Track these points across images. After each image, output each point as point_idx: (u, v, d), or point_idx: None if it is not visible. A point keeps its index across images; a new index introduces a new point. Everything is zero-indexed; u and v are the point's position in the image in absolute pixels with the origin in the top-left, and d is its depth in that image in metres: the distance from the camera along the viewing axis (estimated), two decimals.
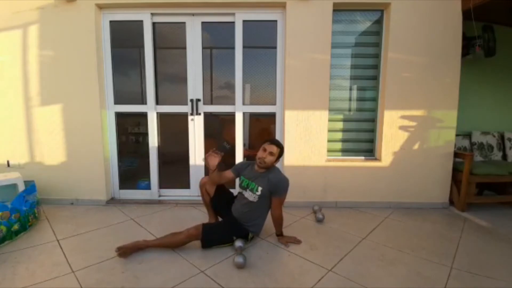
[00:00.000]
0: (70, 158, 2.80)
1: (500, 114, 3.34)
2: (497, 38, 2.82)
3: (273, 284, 1.57)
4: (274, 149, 1.96)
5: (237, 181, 2.39)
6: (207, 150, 2.93)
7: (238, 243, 1.89)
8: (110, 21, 2.80)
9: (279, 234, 2.10)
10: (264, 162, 1.95)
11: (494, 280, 1.62)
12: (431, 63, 2.70)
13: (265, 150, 1.96)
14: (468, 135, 3.20)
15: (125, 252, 1.81)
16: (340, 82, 2.92)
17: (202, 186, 2.21)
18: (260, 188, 1.96)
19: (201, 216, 2.51)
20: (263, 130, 3.06)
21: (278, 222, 2.07)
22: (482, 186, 3.00)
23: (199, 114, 2.88)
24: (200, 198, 2.30)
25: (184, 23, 2.80)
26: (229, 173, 2.13)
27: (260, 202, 1.98)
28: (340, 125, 2.98)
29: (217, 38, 2.95)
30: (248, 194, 2.02)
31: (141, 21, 2.77)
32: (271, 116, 2.91)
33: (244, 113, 2.90)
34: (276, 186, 1.96)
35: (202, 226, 1.92)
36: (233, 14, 2.75)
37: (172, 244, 1.90)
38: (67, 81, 2.71)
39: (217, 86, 3.01)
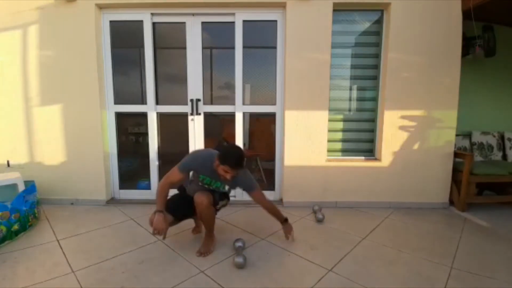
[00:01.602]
0: (70, 158, 2.80)
1: (500, 114, 3.34)
2: (497, 38, 2.82)
3: (273, 284, 1.57)
4: (237, 172, 1.73)
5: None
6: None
7: (238, 243, 1.89)
8: (110, 21, 2.80)
9: (283, 220, 2.02)
10: (227, 180, 1.76)
11: (494, 280, 1.62)
12: (431, 63, 2.70)
13: (227, 172, 1.69)
14: (468, 135, 3.20)
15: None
16: (340, 82, 2.92)
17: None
18: (227, 187, 1.89)
19: None
20: (263, 130, 3.06)
21: (273, 211, 2.01)
22: (482, 186, 3.00)
23: (199, 114, 2.88)
24: None
25: (184, 23, 2.80)
26: (177, 175, 1.81)
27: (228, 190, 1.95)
28: (340, 125, 2.98)
29: (217, 38, 2.95)
30: (213, 189, 1.89)
31: (141, 21, 2.77)
32: (271, 116, 2.91)
33: (244, 113, 2.90)
34: (247, 186, 1.90)
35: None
36: (233, 14, 2.75)
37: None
38: (67, 81, 2.71)
39: (217, 86, 3.01)
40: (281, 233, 2.23)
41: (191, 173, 1.95)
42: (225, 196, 2.00)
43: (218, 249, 1.94)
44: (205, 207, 1.78)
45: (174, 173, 1.80)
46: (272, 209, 2.02)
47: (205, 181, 1.86)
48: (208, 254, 1.87)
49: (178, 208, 1.88)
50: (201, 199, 1.78)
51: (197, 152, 1.94)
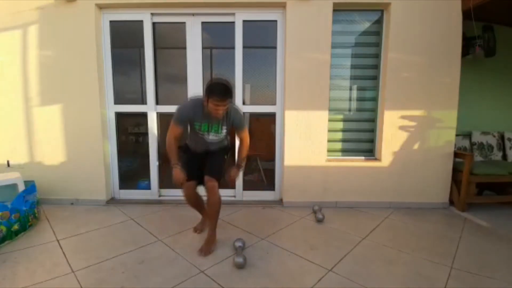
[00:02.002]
0: (70, 158, 2.80)
1: (500, 114, 3.34)
2: (497, 38, 2.82)
3: (273, 284, 1.57)
4: (226, 102, 1.71)
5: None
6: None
7: (238, 243, 1.89)
8: (110, 21, 2.80)
9: (239, 164, 2.05)
10: (220, 115, 1.76)
11: (494, 280, 1.62)
12: (431, 63, 2.70)
13: (218, 106, 1.69)
14: (468, 135, 3.20)
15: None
16: (340, 82, 2.92)
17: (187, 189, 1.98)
18: (224, 127, 1.90)
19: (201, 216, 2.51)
20: (263, 130, 3.06)
21: (246, 150, 2.05)
22: (482, 186, 3.00)
23: None
24: None
25: (184, 23, 2.80)
26: (176, 129, 1.85)
27: (225, 135, 2.00)
28: (340, 125, 2.98)
29: (217, 38, 2.95)
30: (212, 137, 1.91)
31: (141, 21, 2.77)
32: (271, 116, 2.91)
33: (244, 113, 2.89)
34: (238, 121, 1.92)
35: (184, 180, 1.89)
36: (233, 14, 2.75)
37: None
38: (67, 81, 2.71)
39: None
40: (281, 233, 2.24)
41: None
42: (226, 151, 2.09)
43: (218, 249, 1.94)
44: (216, 192, 1.88)
45: (173, 129, 1.86)
46: (246, 151, 2.06)
47: (202, 128, 1.86)
48: (209, 253, 1.87)
49: (192, 173, 1.94)
50: (212, 184, 1.87)
51: (184, 102, 1.95)
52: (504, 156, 3.19)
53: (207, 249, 1.88)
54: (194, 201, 2.07)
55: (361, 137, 2.99)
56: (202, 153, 2.00)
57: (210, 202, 1.90)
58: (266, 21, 2.81)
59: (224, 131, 1.92)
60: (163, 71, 2.94)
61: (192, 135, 1.98)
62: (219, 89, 1.68)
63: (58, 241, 2.06)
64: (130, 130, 3.06)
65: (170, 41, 2.97)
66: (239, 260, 1.70)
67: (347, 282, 1.59)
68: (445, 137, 2.79)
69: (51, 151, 2.79)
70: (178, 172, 1.85)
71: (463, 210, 2.72)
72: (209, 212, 1.97)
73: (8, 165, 2.82)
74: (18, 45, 2.68)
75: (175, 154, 1.88)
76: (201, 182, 1.96)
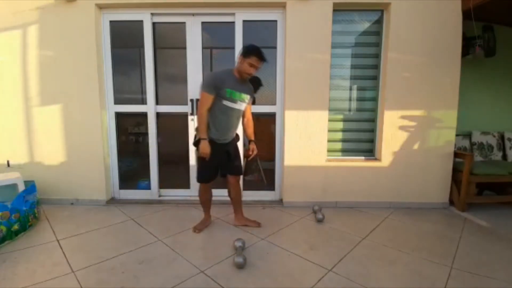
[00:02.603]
0: (70, 158, 2.80)
1: (500, 114, 3.34)
2: (497, 38, 2.82)
3: (273, 284, 1.57)
4: (261, 64, 1.92)
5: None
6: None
7: (238, 243, 1.89)
8: (110, 21, 2.80)
9: (252, 139, 2.22)
10: (251, 75, 1.94)
11: (494, 280, 1.62)
12: (431, 63, 2.70)
13: (252, 66, 1.89)
14: (468, 135, 3.20)
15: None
16: (340, 82, 2.92)
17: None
18: (248, 96, 2.06)
19: (201, 216, 2.50)
20: (263, 130, 3.06)
21: (251, 126, 2.24)
22: (482, 186, 3.00)
23: None
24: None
25: (184, 23, 2.80)
26: (208, 98, 1.91)
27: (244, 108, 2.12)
28: (340, 125, 2.98)
29: (217, 38, 2.95)
30: (239, 105, 2.03)
31: (141, 21, 2.77)
32: (271, 116, 2.91)
33: None
34: (253, 92, 2.13)
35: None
36: (233, 14, 2.75)
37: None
38: (67, 81, 2.71)
39: None
40: (281, 233, 2.24)
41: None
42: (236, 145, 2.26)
43: (218, 249, 1.94)
44: (239, 184, 2.21)
45: (205, 98, 1.91)
46: (251, 123, 2.24)
47: (233, 95, 1.96)
48: (258, 224, 2.29)
49: (214, 173, 2.15)
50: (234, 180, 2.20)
51: (212, 71, 2.11)
52: (504, 156, 3.19)
53: (253, 223, 2.29)
54: (209, 199, 2.27)
55: (361, 137, 2.99)
56: (224, 149, 2.10)
57: (236, 192, 2.25)
58: (266, 21, 2.81)
59: (247, 101, 2.06)
60: (163, 71, 2.94)
61: (219, 114, 1.99)
62: (259, 50, 1.88)
63: (58, 241, 2.06)
64: (130, 130, 3.06)
65: (170, 41, 2.97)
66: (239, 260, 1.70)
67: (347, 282, 1.59)
68: (445, 137, 2.79)
69: (51, 151, 2.79)
70: (206, 145, 1.94)
71: (463, 210, 2.72)
72: (236, 199, 2.29)
73: (8, 165, 2.82)
74: (18, 45, 2.68)
75: (204, 127, 1.96)
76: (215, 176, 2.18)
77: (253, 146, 2.19)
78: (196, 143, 2.02)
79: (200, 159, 2.04)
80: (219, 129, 2.03)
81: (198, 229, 2.22)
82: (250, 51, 1.87)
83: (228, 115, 2.01)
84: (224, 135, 2.06)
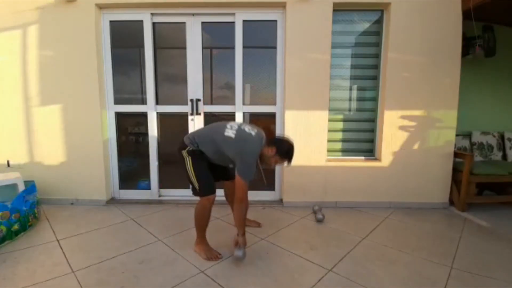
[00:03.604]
0: (70, 158, 2.80)
1: (500, 114, 3.34)
2: (497, 38, 2.82)
3: (273, 284, 1.57)
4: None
5: None
6: None
7: (239, 253, 1.79)
8: (110, 21, 2.80)
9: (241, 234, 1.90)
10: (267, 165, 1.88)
11: (494, 280, 1.62)
12: (431, 63, 2.70)
13: (277, 163, 1.84)
14: (468, 135, 3.20)
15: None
16: (340, 82, 2.92)
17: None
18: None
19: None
20: (263, 130, 3.05)
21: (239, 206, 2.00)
22: (482, 186, 3.00)
23: (199, 114, 2.88)
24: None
25: (184, 23, 2.80)
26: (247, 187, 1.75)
27: None
28: (340, 125, 2.98)
29: (217, 38, 2.95)
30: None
31: (141, 21, 2.77)
32: (271, 116, 2.91)
33: (244, 113, 2.90)
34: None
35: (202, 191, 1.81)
36: (233, 14, 2.75)
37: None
38: (67, 81, 2.71)
39: (217, 86, 3.01)
40: (281, 233, 2.24)
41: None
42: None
43: (218, 249, 1.93)
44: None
45: (247, 187, 1.72)
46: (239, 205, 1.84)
47: None
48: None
49: (213, 184, 1.86)
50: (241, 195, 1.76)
51: (250, 155, 1.73)
52: (504, 156, 3.19)
53: (253, 223, 2.27)
54: (208, 219, 1.89)
55: (361, 137, 2.99)
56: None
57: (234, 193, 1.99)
58: (266, 21, 2.81)
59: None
60: (163, 71, 2.94)
61: (216, 155, 1.82)
62: (293, 155, 1.82)
63: (58, 241, 2.06)
64: (130, 130, 3.05)
65: (170, 41, 2.97)
66: (238, 253, 1.68)
67: (347, 282, 1.59)
68: (445, 137, 2.79)
69: (51, 151, 2.79)
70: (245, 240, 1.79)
71: (463, 210, 2.72)
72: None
73: (8, 165, 2.82)
74: (18, 45, 2.68)
75: (244, 221, 1.82)
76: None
77: (240, 240, 1.77)
78: (190, 151, 1.79)
79: (197, 170, 1.80)
80: (212, 160, 1.86)
81: (215, 256, 1.85)
82: (288, 155, 1.80)
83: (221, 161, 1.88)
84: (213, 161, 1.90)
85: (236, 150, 1.72)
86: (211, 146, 1.79)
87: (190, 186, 1.85)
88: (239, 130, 1.78)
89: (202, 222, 1.85)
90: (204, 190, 1.80)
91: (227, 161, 1.86)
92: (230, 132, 1.76)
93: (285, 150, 1.79)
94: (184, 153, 1.80)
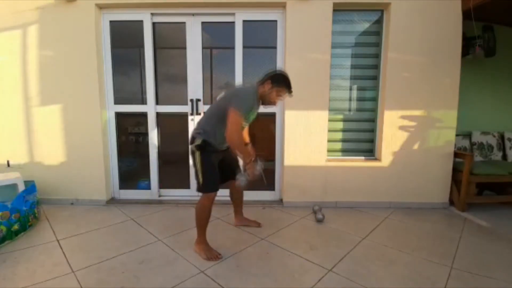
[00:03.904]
0: (70, 158, 2.80)
1: (500, 114, 3.34)
2: (497, 38, 2.82)
3: (273, 284, 1.57)
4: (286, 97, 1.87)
5: None
6: None
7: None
8: (110, 21, 2.80)
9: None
10: (272, 105, 1.88)
11: (494, 280, 1.62)
12: (431, 63, 2.70)
13: (280, 96, 1.82)
14: (468, 135, 3.20)
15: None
16: (340, 82, 2.92)
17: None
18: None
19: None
20: (263, 130, 3.06)
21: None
22: (482, 186, 3.00)
23: (199, 114, 2.88)
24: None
25: (184, 23, 2.80)
26: (241, 121, 1.72)
27: None
28: (340, 125, 2.98)
29: (217, 38, 2.95)
30: (245, 124, 1.90)
31: (141, 21, 2.77)
32: (271, 116, 2.91)
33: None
34: None
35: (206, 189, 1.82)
36: (233, 14, 2.75)
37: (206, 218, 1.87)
38: (67, 81, 2.71)
39: (217, 86, 3.01)
40: (281, 233, 2.24)
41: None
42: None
43: (218, 249, 1.93)
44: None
45: (240, 120, 1.68)
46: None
47: (251, 117, 1.86)
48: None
49: (217, 182, 1.87)
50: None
51: (244, 91, 1.83)
52: (504, 156, 3.19)
53: (253, 223, 2.29)
54: (209, 217, 1.88)
55: (361, 137, 2.99)
56: (222, 154, 1.92)
57: (240, 193, 2.23)
58: (266, 21, 2.81)
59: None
60: (163, 71, 2.94)
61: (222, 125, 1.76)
62: (290, 83, 1.81)
63: (58, 241, 2.06)
64: (130, 130, 3.05)
65: (170, 41, 2.97)
66: (241, 178, 1.73)
67: (347, 282, 1.59)
68: (445, 137, 2.79)
69: (51, 151, 2.79)
70: (255, 165, 1.76)
71: (463, 210, 2.72)
72: (240, 201, 2.27)
73: (8, 165, 2.82)
74: (18, 45, 2.68)
75: (246, 148, 1.82)
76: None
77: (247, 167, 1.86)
78: (199, 146, 1.77)
79: (205, 165, 1.79)
80: (217, 140, 1.81)
81: (215, 256, 1.83)
82: (283, 81, 1.79)
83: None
84: (221, 144, 1.87)
85: (231, 96, 1.77)
86: (212, 120, 1.80)
87: (196, 181, 1.85)
88: (228, 90, 1.90)
89: (202, 221, 1.86)
90: (207, 187, 1.80)
91: None
92: (220, 95, 1.89)
93: (280, 78, 1.79)
94: (193, 147, 1.80)
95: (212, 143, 1.80)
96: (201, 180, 1.79)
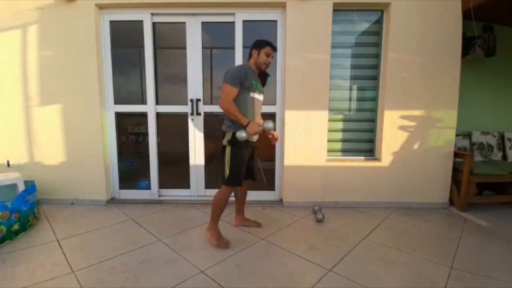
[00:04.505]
0: (70, 158, 2.80)
1: (500, 114, 3.34)
2: (497, 38, 2.82)
3: (273, 284, 1.57)
4: (274, 53, 2.03)
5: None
6: (207, 150, 2.94)
7: None
8: (110, 21, 2.80)
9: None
10: (268, 65, 2.02)
11: (494, 280, 1.62)
12: (431, 63, 2.70)
13: (268, 55, 1.98)
14: (468, 135, 3.20)
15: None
16: (340, 82, 2.92)
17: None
18: (260, 84, 2.07)
19: (201, 216, 2.51)
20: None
21: None
22: (482, 186, 3.00)
23: (199, 114, 2.88)
24: (200, 198, 2.28)
25: (184, 23, 2.80)
26: (234, 91, 1.87)
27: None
28: (340, 125, 2.98)
29: (217, 38, 2.95)
30: (261, 96, 2.07)
31: (141, 21, 2.78)
32: (271, 116, 2.91)
33: None
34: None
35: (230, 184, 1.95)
36: (233, 14, 2.75)
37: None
38: (67, 81, 2.71)
39: (217, 86, 3.00)
40: (281, 233, 2.24)
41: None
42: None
43: (217, 249, 1.94)
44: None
45: (230, 90, 1.87)
46: None
47: (257, 87, 2.00)
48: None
49: (241, 177, 1.97)
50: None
51: (235, 66, 2.06)
52: (504, 156, 3.19)
53: (253, 223, 2.33)
54: (226, 204, 2.01)
55: (361, 137, 2.99)
56: (250, 150, 2.03)
57: (245, 193, 2.28)
58: (266, 21, 2.81)
59: (262, 88, 2.08)
60: (163, 71, 2.94)
61: (250, 107, 1.95)
62: (269, 41, 2.00)
63: (58, 241, 2.06)
64: (130, 130, 3.05)
65: (170, 41, 2.97)
66: (268, 124, 1.82)
67: (347, 282, 1.59)
68: (445, 137, 2.79)
69: (51, 151, 2.79)
70: (255, 125, 1.84)
71: (463, 210, 2.72)
72: (243, 201, 2.31)
73: (8, 165, 2.82)
74: (18, 45, 2.68)
75: (240, 112, 1.87)
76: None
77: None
78: (231, 140, 1.89)
79: (234, 159, 1.91)
80: (247, 116, 1.92)
81: (224, 244, 1.96)
82: (263, 42, 1.98)
83: (256, 107, 2.01)
84: (252, 119, 1.99)
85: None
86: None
87: (222, 174, 1.96)
88: None
89: (218, 210, 1.99)
90: (232, 181, 1.93)
91: (253, 112, 1.98)
92: None
93: (259, 41, 2.00)
94: (225, 142, 1.94)
95: (240, 137, 1.86)
96: (227, 173, 1.93)
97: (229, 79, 1.87)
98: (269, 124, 1.84)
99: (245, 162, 1.97)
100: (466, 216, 2.63)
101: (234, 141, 1.88)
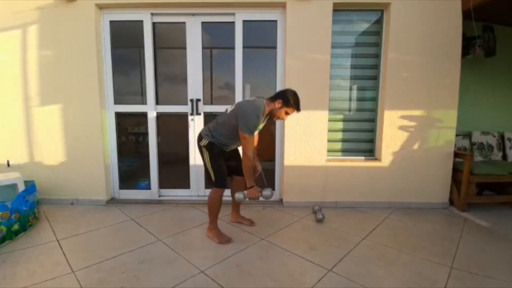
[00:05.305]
0: (70, 158, 2.80)
1: (500, 114, 3.34)
2: (497, 38, 2.82)
3: (273, 284, 1.57)
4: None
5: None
6: None
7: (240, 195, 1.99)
8: (110, 21, 2.80)
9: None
10: (279, 120, 2.01)
11: (494, 280, 1.62)
12: (431, 63, 2.70)
13: (288, 114, 1.95)
14: (468, 135, 3.20)
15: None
16: (340, 82, 2.92)
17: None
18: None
19: (201, 216, 2.51)
20: (263, 130, 3.05)
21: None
22: (482, 186, 3.00)
23: (199, 114, 2.88)
24: (200, 198, 2.29)
25: (184, 23, 2.80)
26: (253, 141, 1.96)
27: None
28: (340, 125, 2.98)
29: (217, 38, 2.95)
30: (255, 133, 2.05)
31: (141, 21, 2.77)
32: None
33: None
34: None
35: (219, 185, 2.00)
36: (233, 14, 2.75)
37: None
38: (67, 81, 2.71)
39: (217, 86, 3.01)
40: (281, 233, 2.24)
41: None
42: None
43: (218, 249, 1.94)
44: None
45: (250, 140, 1.88)
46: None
47: (257, 129, 1.98)
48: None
49: (225, 179, 2.06)
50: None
51: (249, 111, 1.87)
52: (504, 156, 3.19)
53: (247, 221, 2.36)
54: (221, 204, 2.07)
55: (361, 137, 2.99)
56: (228, 152, 2.10)
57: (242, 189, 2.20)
58: (266, 21, 2.81)
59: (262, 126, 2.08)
60: (163, 71, 2.94)
61: (234, 138, 1.98)
62: (299, 103, 1.94)
63: (58, 241, 2.06)
64: (130, 130, 3.05)
65: (170, 41, 2.97)
66: (266, 192, 1.92)
67: (347, 282, 1.59)
68: (445, 137, 2.79)
69: (51, 151, 2.79)
70: (256, 191, 1.95)
71: (463, 210, 2.72)
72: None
73: (8, 165, 2.82)
74: (18, 45, 2.68)
75: (252, 175, 1.97)
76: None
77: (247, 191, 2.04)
78: (207, 146, 1.97)
79: (213, 162, 1.98)
80: (227, 145, 2.04)
81: (226, 240, 2.04)
82: (293, 103, 1.90)
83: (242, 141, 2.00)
84: (229, 147, 2.08)
85: (238, 113, 1.89)
86: (221, 129, 1.97)
87: (207, 176, 2.05)
88: (237, 103, 2.03)
89: (213, 210, 2.04)
90: (219, 183, 2.00)
91: (238, 140, 1.98)
92: (230, 108, 2.02)
93: (290, 99, 1.90)
94: (202, 146, 1.99)
95: (218, 146, 2.00)
96: (213, 177, 2.00)
97: (248, 129, 1.84)
98: (267, 192, 1.97)
99: (223, 160, 2.04)
100: (466, 216, 2.63)
101: (209, 147, 1.97)
